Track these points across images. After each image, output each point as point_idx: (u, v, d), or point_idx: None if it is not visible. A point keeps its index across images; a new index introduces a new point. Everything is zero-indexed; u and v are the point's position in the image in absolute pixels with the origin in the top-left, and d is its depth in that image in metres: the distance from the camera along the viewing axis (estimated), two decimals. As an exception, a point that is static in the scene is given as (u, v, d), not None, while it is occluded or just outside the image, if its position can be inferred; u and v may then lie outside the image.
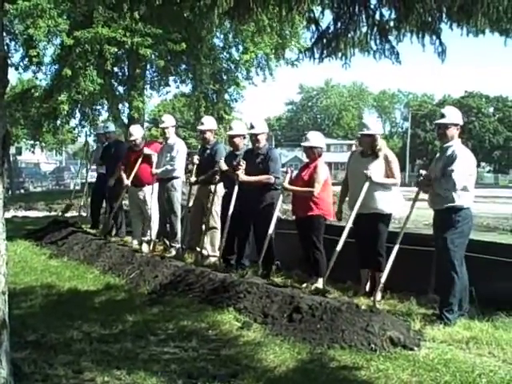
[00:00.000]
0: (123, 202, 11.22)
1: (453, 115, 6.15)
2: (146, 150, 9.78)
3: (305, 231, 7.40)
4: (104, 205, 12.09)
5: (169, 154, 9.40)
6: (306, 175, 7.43)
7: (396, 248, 6.07)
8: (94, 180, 13.38)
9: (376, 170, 6.77)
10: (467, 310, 5.98)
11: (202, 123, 9.04)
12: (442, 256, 5.90)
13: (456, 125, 6.11)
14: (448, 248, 5.80)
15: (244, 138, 8.62)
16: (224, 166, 8.10)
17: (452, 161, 5.86)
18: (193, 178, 8.86)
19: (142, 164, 9.78)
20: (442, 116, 6.19)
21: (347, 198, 7.30)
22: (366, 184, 6.63)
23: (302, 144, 7.68)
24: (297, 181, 7.52)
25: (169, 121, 9.68)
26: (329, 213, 7.48)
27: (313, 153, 7.48)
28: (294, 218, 7.90)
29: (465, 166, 5.87)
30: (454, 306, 5.82)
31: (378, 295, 6.55)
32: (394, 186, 6.98)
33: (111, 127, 12.42)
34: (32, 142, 33.27)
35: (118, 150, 11.07)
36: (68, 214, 14.12)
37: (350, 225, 6.60)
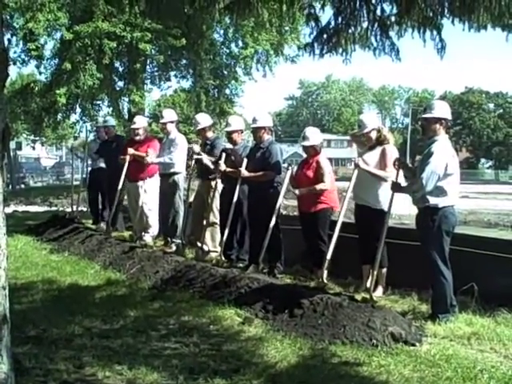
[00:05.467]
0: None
1: (438, 109, 5.88)
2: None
3: (311, 225, 7.38)
4: (100, 199, 11.84)
5: (169, 150, 9.37)
6: (310, 172, 7.38)
7: (382, 243, 6.02)
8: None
9: (368, 160, 6.69)
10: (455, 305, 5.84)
11: (198, 122, 8.99)
12: (424, 257, 5.79)
13: (440, 119, 5.82)
14: (426, 249, 5.73)
15: (242, 132, 8.59)
16: (223, 167, 8.06)
17: (426, 161, 5.67)
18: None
19: (135, 159, 9.78)
20: (426, 110, 6.03)
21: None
22: (355, 172, 6.57)
23: (302, 144, 7.49)
24: (300, 178, 7.47)
25: (168, 116, 9.64)
26: (336, 204, 7.47)
27: (314, 150, 7.45)
28: (296, 213, 7.83)
29: (438, 166, 5.60)
30: (443, 304, 5.70)
31: (379, 290, 6.53)
32: (385, 182, 6.63)
33: (111, 121, 12.24)
34: (32, 137, 33.30)
35: (119, 145, 11.03)
36: (68, 209, 14.10)
37: (342, 215, 6.51)
